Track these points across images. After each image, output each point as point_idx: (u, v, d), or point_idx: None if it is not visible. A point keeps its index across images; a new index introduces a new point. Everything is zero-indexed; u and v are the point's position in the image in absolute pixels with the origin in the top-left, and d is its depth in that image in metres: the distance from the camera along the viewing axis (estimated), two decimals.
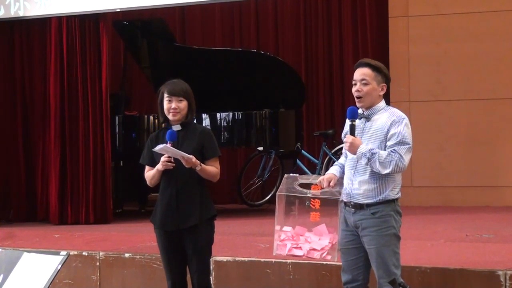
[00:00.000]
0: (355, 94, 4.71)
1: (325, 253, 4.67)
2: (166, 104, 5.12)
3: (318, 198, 4.65)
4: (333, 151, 9.41)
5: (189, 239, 5.07)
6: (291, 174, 4.88)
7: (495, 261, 5.87)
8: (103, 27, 9.14)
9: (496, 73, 9.50)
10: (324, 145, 9.53)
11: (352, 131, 4.62)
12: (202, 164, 5.02)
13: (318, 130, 10.08)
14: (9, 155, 9.55)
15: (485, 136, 9.53)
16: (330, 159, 9.39)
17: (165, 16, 10.06)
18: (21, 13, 9.17)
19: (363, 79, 4.64)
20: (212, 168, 5.10)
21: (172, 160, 5.01)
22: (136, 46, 9.91)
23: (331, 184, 4.68)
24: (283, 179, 4.85)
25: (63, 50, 9.14)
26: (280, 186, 4.80)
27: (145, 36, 9.76)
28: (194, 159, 4.98)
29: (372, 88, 4.64)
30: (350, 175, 4.66)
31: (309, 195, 4.68)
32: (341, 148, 9.20)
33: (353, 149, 4.58)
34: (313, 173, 9.51)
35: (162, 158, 5.02)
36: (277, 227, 4.75)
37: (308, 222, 4.69)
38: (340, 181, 4.73)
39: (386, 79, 4.70)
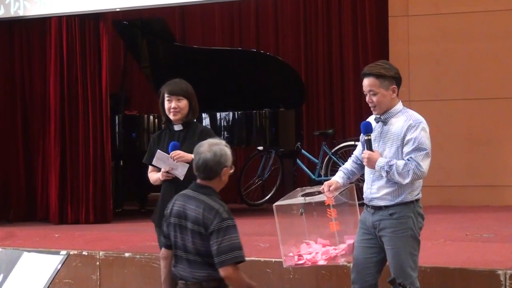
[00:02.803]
0: (369, 104, 4.69)
1: (340, 256, 4.71)
2: (166, 104, 5.15)
3: (312, 202, 4.65)
4: (333, 150, 9.40)
5: None
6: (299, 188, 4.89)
7: (495, 260, 5.88)
8: (103, 27, 9.14)
9: (496, 73, 9.50)
10: (324, 144, 9.53)
11: (369, 145, 4.63)
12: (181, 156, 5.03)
13: (318, 130, 10.08)
14: (9, 155, 9.55)
15: (485, 135, 9.52)
16: (330, 158, 9.39)
17: (165, 16, 10.05)
18: (21, 13, 9.17)
19: (370, 90, 4.63)
20: None
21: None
22: (136, 46, 9.91)
23: (331, 188, 4.70)
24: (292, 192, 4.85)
25: (63, 50, 9.14)
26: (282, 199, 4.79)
27: (145, 35, 9.75)
28: (181, 153, 5.00)
29: (381, 95, 4.62)
30: (370, 180, 4.69)
31: (303, 202, 4.68)
32: (341, 148, 9.32)
33: (371, 163, 4.59)
34: (313, 172, 9.52)
35: (162, 170, 5.07)
36: (282, 246, 4.70)
37: (329, 232, 4.68)
38: (345, 185, 4.77)
39: (395, 80, 4.67)
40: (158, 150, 5.07)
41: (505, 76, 9.47)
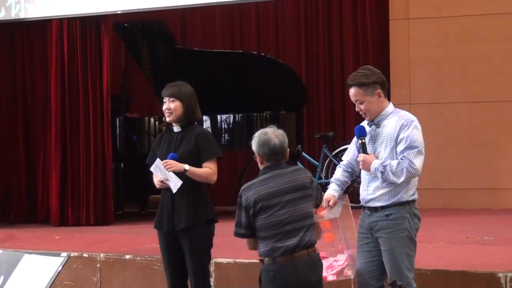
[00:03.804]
0: (359, 113, 4.74)
1: (346, 268, 4.74)
2: (163, 106, 5.21)
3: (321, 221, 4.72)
4: (333, 153, 9.41)
5: (185, 241, 5.13)
6: None
7: (495, 263, 5.88)
8: (104, 29, 9.15)
9: (497, 76, 9.50)
10: (325, 147, 9.54)
11: (363, 149, 4.66)
12: (188, 167, 5.07)
13: (319, 132, 10.09)
14: (9, 156, 9.57)
15: (485, 138, 9.52)
16: (330, 161, 9.40)
17: (165, 18, 10.07)
18: (22, 15, 9.18)
19: (356, 100, 4.68)
20: (203, 170, 5.14)
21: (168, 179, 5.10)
22: (137, 48, 9.91)
23: (330, 203, 4.73)
24: None
25: (64, 52, 9.15)
26: None
27: (146, 38, 9.76)
28: (172, 164, 5.03)
29: (367, 103, 4.66)
30: (366, 181, 4.72)
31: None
32: (342, 151, 9.32)
33: (366, 166, 4.63)
34: (313, 175, 9.50)
35: (158, 179, 5.11)
36: None
37: (324, 243, 4.75)
38: (341, 198, 4.80)
39: (378, 84, 4.68)
40: (158, 159, 5.10)
41: (505, 79, 9.47)
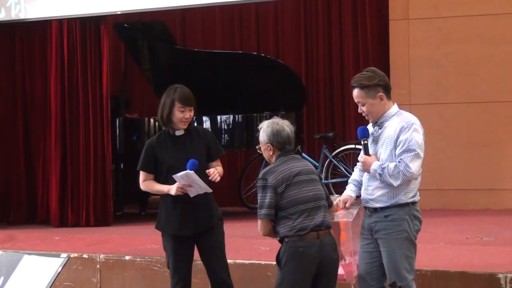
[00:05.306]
0: (362, 114, 4.76)
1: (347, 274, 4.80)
2: (179, 114, 5.12)
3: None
4: (333, 153, 9.40)
5: (207, 239, 5.17)
6: None
7: (495, 264, 5.89)
8: (104, 30, 9.15)
9: (497, 76, 9.50)
10: (325, 148, 9.53)
11: (365, 150, 4.69)
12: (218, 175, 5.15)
13: (319, 133, 10.08)
14: (9, 157, 9.57)
15: (486, 139, 9.52)
16: (330, 162, 9.39)
17: (165, 18, 10.07)
18: (22, 16, 9.18)
19: (358, 102, 4.72)
20: (220, 169, 5.25)
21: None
22: (137, 49, 9.92)
23: (347, 205, 4.79)
24: None
25: (63, 53, 9.16)
26: None
27: (146, 38, 9.76)
28: (215, 177, 5.08)
29: (369, 105, 4.69)
30: (366, 182, 4.74)
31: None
32: (342, 151, 9.32)
33: (366, 167, 4.67)
34: None
35: (178, 185, 5.03)
36: None
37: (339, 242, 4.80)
38: (357, 202, 4.83)
39: (381, 87, 4.69)
40: (191, 171, 4.96)
41: (505, 79, 9.47)
